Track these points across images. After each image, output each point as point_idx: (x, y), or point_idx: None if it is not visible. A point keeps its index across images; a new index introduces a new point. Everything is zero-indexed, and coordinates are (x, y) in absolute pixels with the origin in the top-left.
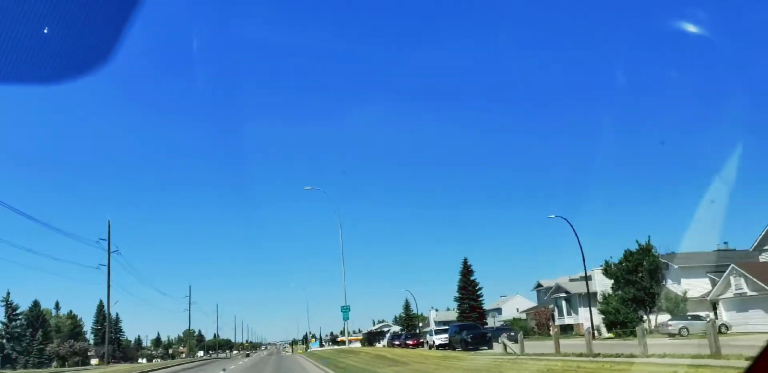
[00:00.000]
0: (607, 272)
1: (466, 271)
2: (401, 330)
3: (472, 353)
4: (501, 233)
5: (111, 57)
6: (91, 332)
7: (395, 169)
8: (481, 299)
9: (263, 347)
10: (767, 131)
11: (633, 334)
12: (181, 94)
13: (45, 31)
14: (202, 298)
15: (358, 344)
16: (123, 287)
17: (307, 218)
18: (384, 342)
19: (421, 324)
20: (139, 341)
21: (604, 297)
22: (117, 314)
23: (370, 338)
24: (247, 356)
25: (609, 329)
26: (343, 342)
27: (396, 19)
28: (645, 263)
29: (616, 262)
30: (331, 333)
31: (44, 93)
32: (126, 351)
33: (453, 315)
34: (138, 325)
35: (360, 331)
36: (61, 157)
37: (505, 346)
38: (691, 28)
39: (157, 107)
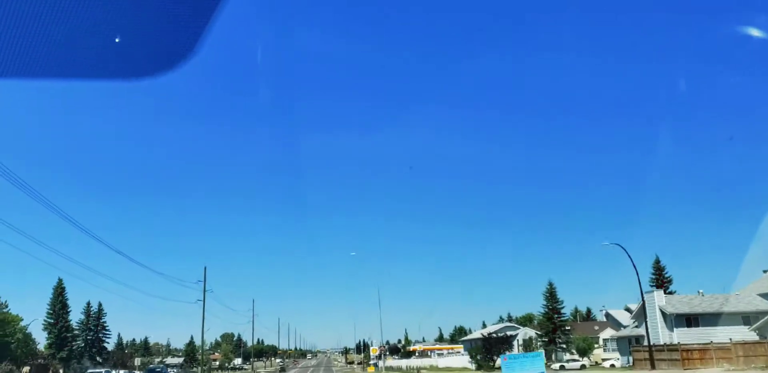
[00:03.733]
0: None
1: None
2: (540, 336)
3: None
4: None
5: (179, 68)
6: (43, 329)
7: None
8: None
9: (309, 357)
10: None
11: None
12: (243, 107)
13: (117, 40)
14: (246, 305)
15: (456, 360)
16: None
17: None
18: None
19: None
20: (146, 344)
21: None
22: (99, 304)
23: (489, 348)
24: (282, 370)
25: None
26: (412, 354)
27: (451, 35)
28: None
29: None
30: (388, 342)
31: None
32: (119, 356)
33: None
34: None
35: (424, 340)
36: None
37: None
38: (755, 32)
39: (217, 119)
